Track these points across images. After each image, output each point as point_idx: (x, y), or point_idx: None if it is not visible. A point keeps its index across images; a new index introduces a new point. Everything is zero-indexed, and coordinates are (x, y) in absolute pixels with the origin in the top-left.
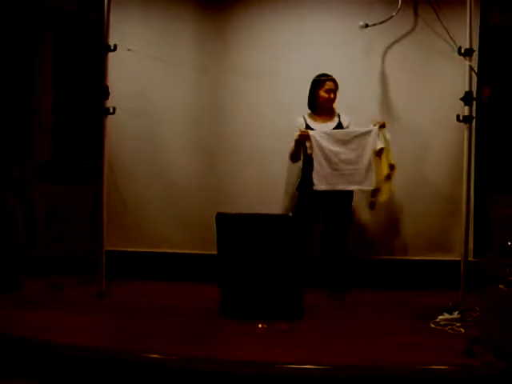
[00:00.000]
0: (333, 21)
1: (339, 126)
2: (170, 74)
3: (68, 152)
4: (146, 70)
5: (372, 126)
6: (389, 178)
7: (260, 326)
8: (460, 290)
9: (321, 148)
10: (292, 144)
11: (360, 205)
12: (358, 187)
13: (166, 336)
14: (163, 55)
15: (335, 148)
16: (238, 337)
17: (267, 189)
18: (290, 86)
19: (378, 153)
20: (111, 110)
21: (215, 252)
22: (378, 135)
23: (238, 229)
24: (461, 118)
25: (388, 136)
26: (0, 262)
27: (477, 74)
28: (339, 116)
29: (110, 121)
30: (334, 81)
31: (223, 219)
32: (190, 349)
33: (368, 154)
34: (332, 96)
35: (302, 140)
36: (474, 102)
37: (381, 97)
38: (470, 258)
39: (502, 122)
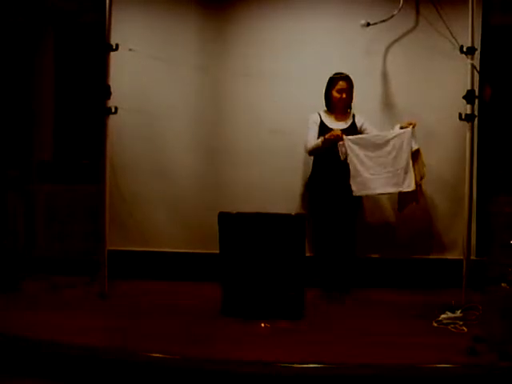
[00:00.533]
0: (333, 20)
1: (353, 126)
2: (171, 74)
3: (69, 152)
4: (147, 70)
5: (398, 128)
6: (421, 179)
7: (263, 325)
8: (462, 288)
9: (355, 154)
10: (314, 138)
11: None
12: (398, 189)
13: (167, 336)
14: (164, 55)
15: (371, 152)
16: (238, 336)
17: (268, 188)
18: (290, 86)
19: (415, 155)
20: (113, 110)
21: (217, 251)
22: (412, 135)
23: (240, 228)
24: (463, 117)
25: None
26: (0, 262)
27: (479, 73)
28: (354, 116)
29: (112, 120)
30: (347, 80)
31: (225, 219)
32: (191, 348)
33: (405, 155)
34: (344, 96)
35: (333, 141)
36: (477, 101)
37: (382, 96)
38: (473, 257)
39: (504, 120)
